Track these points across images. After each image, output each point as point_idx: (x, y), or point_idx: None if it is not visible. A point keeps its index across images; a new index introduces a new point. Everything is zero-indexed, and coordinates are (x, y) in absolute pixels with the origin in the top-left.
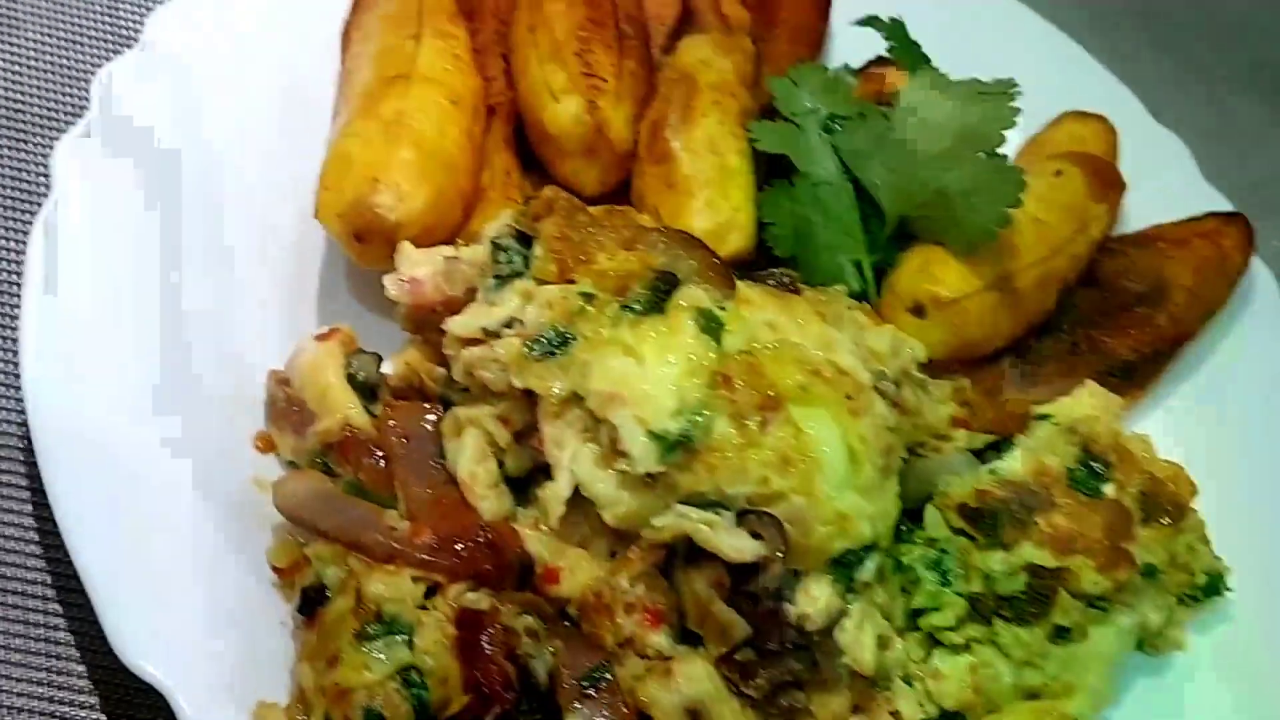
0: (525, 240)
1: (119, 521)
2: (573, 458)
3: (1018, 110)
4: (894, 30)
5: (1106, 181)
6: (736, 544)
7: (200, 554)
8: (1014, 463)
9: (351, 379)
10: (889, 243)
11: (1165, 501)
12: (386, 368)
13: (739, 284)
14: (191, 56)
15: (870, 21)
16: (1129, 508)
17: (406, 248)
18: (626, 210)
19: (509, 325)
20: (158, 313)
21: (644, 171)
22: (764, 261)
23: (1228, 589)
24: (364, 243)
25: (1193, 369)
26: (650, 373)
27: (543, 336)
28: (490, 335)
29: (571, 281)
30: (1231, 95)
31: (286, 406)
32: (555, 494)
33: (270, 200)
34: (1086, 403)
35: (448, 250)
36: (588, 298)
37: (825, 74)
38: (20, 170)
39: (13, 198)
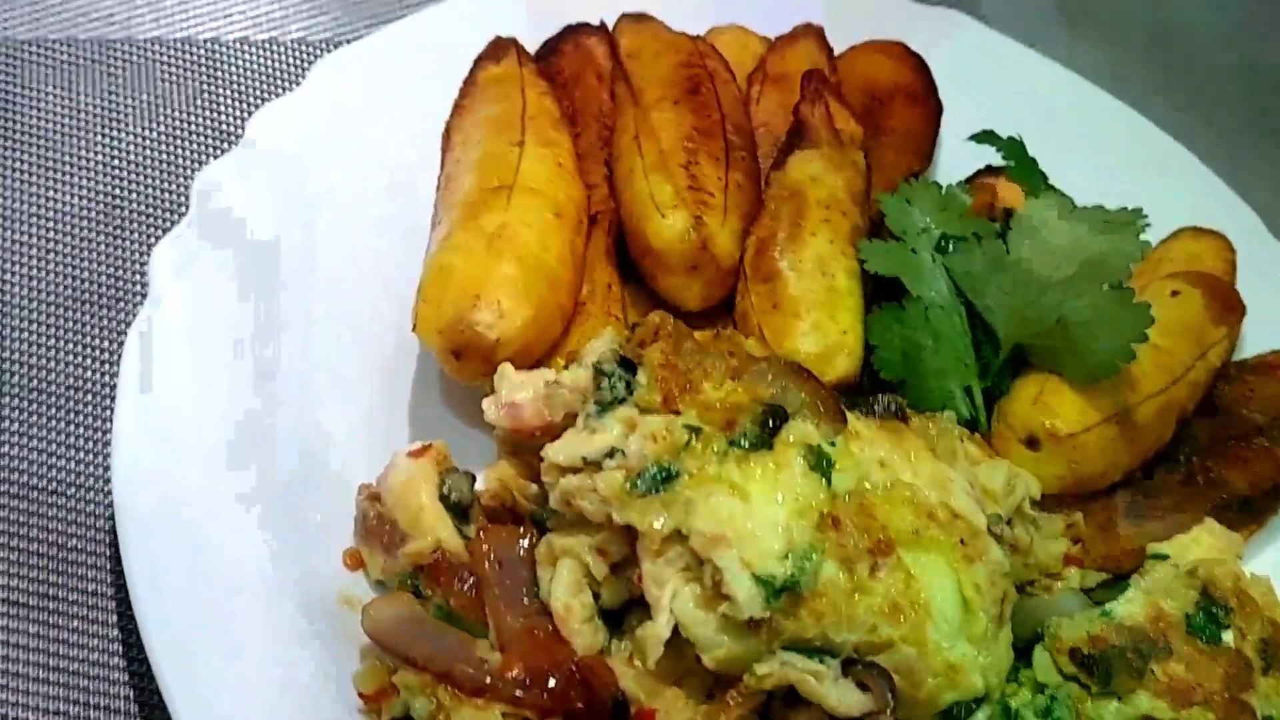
0: (629, 366)
1: (205, 640)
2: (673, 597)
3: (1146, 243)
4: (1012, 148)
5: (1226, 304)
6: (844, 698)
7: (285, 675)
8: (1129, 605)
9: (444, 499)
10: (1002, 369)
11: None
12: (480, 482)
13: (849, 417)
14: (293, 156)
15: (986, 137)
16: (1250, 657)
17: (507, 370)
18: (733, 335)
19: (610, 455)
20: (249, 420)
21: (749, 290)
22: (871, 385)
23: None
24: (462, 360)
25: None
26: (757, 513)
27: (646, 472)
28: (590, 465)
29: (676, 412)
30: None
31: (378, 524)
32: (654, 635)
33: (366, 305)
34: (1206, 543)
35: (549, 374)
36: (694, 432)
37: (938, 191)
38: (118, 266)
39: (110, 294)
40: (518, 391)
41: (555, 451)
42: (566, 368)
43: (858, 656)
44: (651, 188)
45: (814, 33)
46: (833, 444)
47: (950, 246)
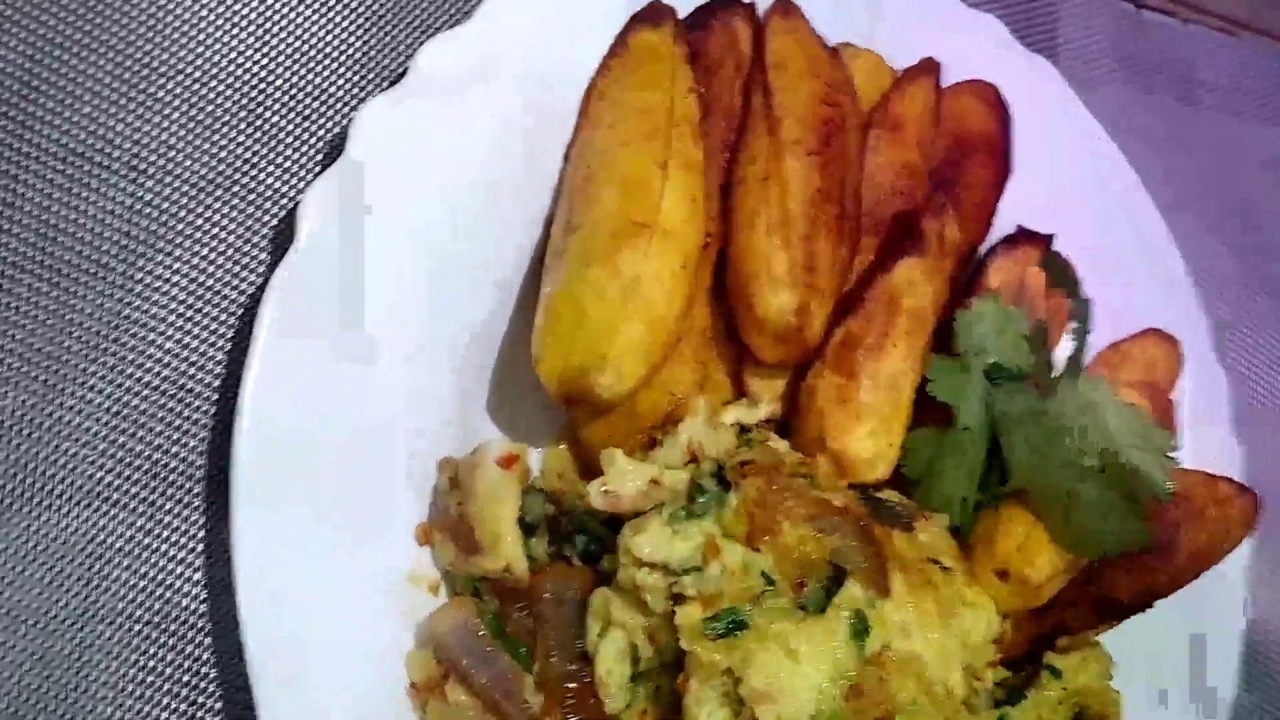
0: (723, 480)
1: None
2: (708, 717)
3: (1169, 481)
4: (1055, 265)
5: (1164, 427)
6: None
7: (348, 635)
8: (1022, 713)
9: (520, 520)
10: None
11: None
12: (537, 465)
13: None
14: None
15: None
16: None
17: (617, 458)
18: (813, 465)
19: (687, 572)
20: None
21: (824, 372)
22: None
23: None
24: (571, 405)
25: None
26: (801, 673)
27: (722, 615)
28: (668, 571)
29: (756, 549)
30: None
31: (457, 521)
32: None
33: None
34: (1092, 670)
35: (653, 470)
36: (768, 582)
37: (1000, 313)
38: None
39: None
40: (623, 481)
41: (639, 545)
42: (660, 441)
43: None
44: (770, 252)
45: (932, 71)
46: (873, 607)
47: (998, 380)
